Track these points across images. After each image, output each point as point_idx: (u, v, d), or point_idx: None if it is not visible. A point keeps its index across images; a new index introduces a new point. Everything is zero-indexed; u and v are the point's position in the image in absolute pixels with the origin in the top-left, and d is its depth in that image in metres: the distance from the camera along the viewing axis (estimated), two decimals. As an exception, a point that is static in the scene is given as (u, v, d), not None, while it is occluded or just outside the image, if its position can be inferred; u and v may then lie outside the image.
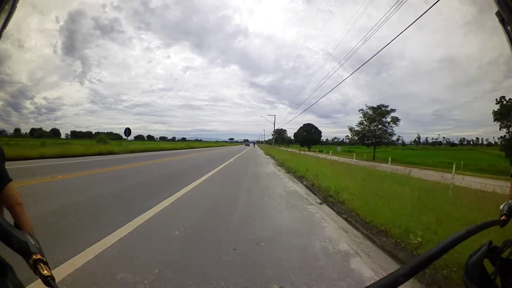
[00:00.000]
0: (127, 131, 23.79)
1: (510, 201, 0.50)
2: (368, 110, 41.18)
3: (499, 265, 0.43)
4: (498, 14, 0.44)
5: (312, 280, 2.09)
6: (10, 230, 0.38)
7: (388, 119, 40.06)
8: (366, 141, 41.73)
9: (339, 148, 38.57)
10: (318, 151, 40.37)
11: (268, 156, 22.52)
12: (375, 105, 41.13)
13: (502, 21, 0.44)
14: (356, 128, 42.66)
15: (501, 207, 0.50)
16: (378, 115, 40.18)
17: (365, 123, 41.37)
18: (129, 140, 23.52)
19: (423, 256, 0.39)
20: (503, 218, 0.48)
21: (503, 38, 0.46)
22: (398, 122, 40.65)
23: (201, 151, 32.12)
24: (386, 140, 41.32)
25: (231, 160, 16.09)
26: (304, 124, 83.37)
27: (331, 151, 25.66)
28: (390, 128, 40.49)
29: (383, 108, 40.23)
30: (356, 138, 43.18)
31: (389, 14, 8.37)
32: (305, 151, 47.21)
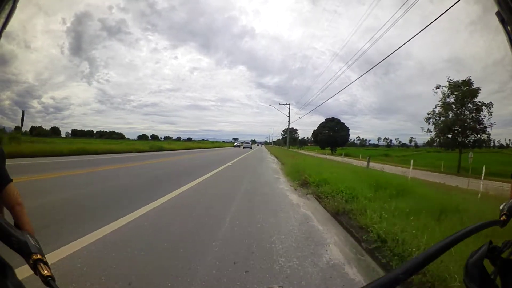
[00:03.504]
0: (22, 117, 15.80)
1: (510, 201, 0.49)
2: (447, 90, 22.97)
3: (499, 265, 0.43)
4: (498, 14, 0.44)
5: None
6: (10, 230, 0.37)
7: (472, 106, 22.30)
8: (448, 138, 23.37)
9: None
10: (344, 155, 28.13)
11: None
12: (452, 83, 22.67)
13: (502, 21, 0.44)
14: (440, 119, 23.76)
15: (501, 207, 0.50)
16: (459, 99, 22.40)
17: (450, 112, 23.05)
18: (31, 135, 13.92)
19: (423, 254, 0.40)
20: (503, 218, 0.48)
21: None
22: (491, 109, 22.04)
23: (171, 154, 19.82)
24: (484, 138, 23.09)
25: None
26: (326, 119, 63.37)
27: (369, 157, 17.19)
28: (482, 118, 22.35)
29: (468, 87, 22.15)
30: (435, 133, 24.23)
31: (398, 16, 8.07)
32: (326, 154, 33.11)
